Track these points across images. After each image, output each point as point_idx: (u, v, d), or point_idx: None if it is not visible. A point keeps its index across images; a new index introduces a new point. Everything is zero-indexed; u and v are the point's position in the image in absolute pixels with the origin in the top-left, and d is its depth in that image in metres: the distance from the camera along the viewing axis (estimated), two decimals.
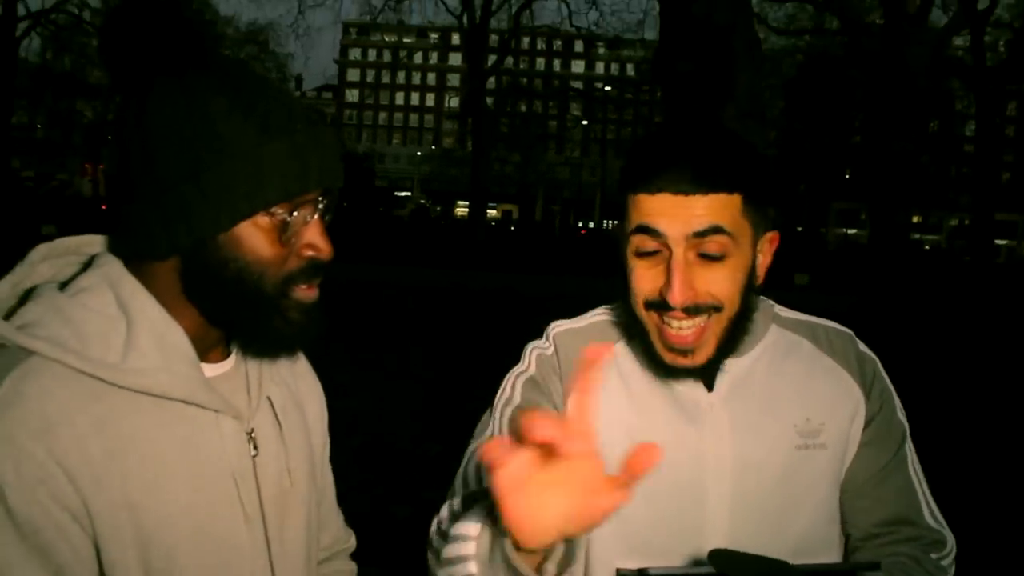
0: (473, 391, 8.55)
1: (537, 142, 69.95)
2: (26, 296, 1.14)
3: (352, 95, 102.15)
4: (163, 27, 1.06)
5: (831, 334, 1.47)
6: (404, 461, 6.02)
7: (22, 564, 0.99)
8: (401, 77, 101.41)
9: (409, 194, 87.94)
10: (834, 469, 1.39)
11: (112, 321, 1.09)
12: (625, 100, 75.71)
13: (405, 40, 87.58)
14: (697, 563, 1.23)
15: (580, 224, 77.82)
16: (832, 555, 1.40)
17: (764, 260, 1.37)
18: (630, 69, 79.65)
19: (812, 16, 29.85)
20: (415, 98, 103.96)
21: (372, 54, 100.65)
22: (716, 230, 1.25)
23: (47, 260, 1.18)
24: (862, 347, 1.47)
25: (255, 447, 1.19)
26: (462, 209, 74.14)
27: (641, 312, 1.32)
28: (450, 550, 1.10)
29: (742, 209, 1.28)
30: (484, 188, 33.21)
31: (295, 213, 1.09)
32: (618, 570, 1.29)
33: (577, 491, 0.90)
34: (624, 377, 1.41)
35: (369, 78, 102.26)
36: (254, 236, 1.08)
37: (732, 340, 1.33)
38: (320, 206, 1.12)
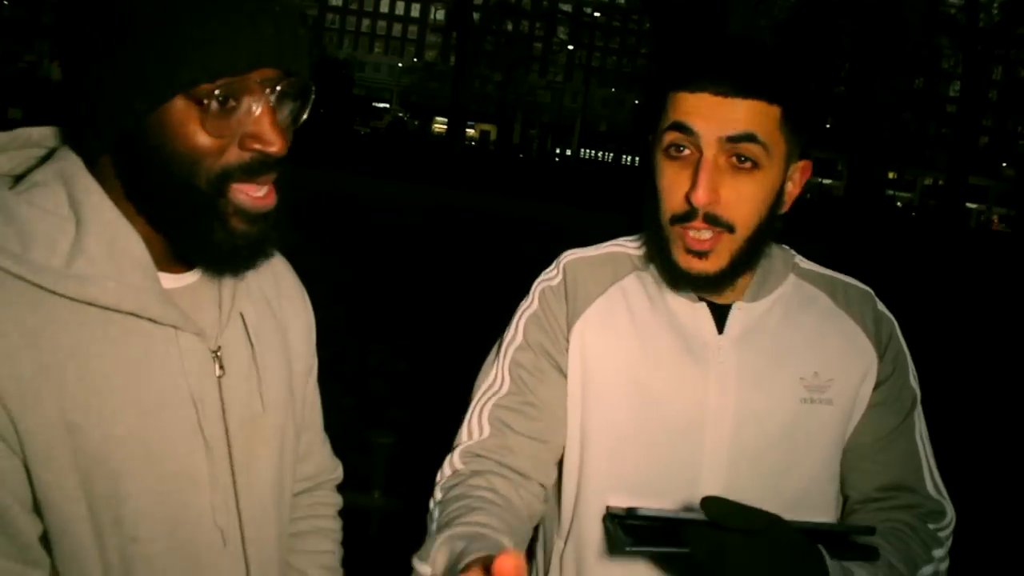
0: (440, 311, 8.56)
1: (520, 63, 69.08)
2: None
3: None
4: None
5: (850, 291, 1.43)
6: (375, 376, 6.02)
7: None
8: None
9: (388, 106, 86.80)
10: (839, 427, 1.36)
11: (61, 222, 0.99)
12: (613, 28, 74.87)
13: None
14: (688, 508, 1.20)
15: (557, 151, 77.44)
16: (829, 514, 1.38)
17: (793, 189, 1.34)
18: None
19: None
20: (400, 7, 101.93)
21: None
22: (750, 137, 1.22)
23: (5, 151, 1.08)
24: (881, 307, 1.43)
25: (221, 367, 1.10)
26: (440, 125, 73.41)
27: (665, 223, 1.28)
28: None
29: (780, 122, 1.24)
30: (464, 106, 32.79)
31: (234, 99, 0.97)
32: (608, 508, 1.24)
33: None
34: (633, 312, 1.38)
35: None
36: (183, 123, 0.96)
37: (746, 258, 1.29)
38: (271, 93, 0.99)
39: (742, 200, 1.24)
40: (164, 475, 1.03)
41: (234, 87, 0.96)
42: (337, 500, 1.45)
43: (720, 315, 1.35)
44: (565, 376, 1.38)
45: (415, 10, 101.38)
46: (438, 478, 1.36)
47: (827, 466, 1.36)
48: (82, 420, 0.97)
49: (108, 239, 1.00)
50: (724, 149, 1.22)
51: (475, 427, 1.38)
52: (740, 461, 1.32)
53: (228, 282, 1.12)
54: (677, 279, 1.31)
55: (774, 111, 1.23)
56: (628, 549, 1.06)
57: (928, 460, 1.40)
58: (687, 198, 1.24)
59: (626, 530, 1.07)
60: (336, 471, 1.45)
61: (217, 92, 0.95)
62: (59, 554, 1.00)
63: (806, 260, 1.46)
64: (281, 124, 1.01)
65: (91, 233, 0.99)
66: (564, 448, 1.39)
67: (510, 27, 69.91)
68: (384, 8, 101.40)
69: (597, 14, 71.68)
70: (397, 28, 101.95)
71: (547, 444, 1.37)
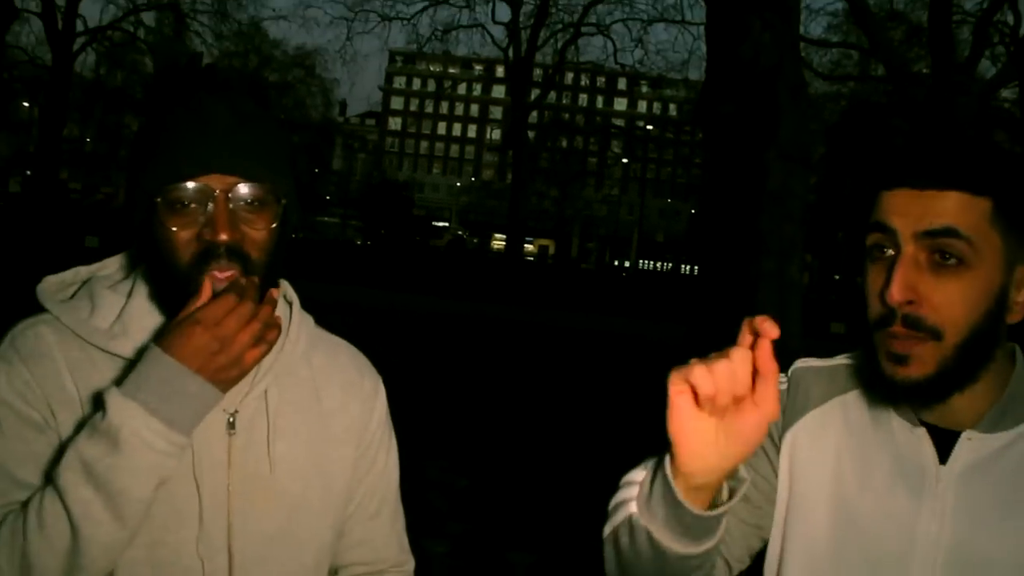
0: (500, 426, 8.54)
1: (576, 178, 70.09)
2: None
3: (395, 123, 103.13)
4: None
5: None
6: (433, 491, 6.01)
7: (16, 428, 1.24)
8: (444, 107, 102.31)
9: (447, 224, 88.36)
10: None
11: (120, 299, 1.33)
12: (666, 139, 75.77)
13: (450, 70, 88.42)
14: None
15: (616, 263, 77.77)
16: None
17: (1023, 295, 1.18)
18: (672, 109, 79.81)
19: (857, 62, 29.77)
20: (457, 129, 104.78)
21: (417, 83, 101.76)
22: (951, 232, 1.12)
23: (114, 263, 1.42)
24: None
25: (232, 427, 1.32)
26: (499, 242, 74.31)
27: (872, 332, 1.19)
28: (615, 497, 1.18)
29: (991, 218, 1.13)
30: (521, 221, 33.32)
31: (191, 200, 1.23)
32: None
33: (738, 420, 1.02)
34: (850, 428, 1.28)
35: (412, 107, 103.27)
36: (162, 220, 1.24)
37: (960, 370, 1.15)
38: (222, 194, 1.23)
39: (947, 300, 1.13)
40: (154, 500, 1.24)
41: (189, 191, 1.23)
42: None
43: (947, 444, 1.21)
44: (770, 467, 1.33)
45: (471, 131, 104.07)
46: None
47: None
48: None
49: (142, 313, 1.31)
50: (923, 245, 1.13)
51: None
52: None
53: (263, 363, 1.34)
54: (884, 390, 1.20)
55: (982, 204, 1.12)
56: None
57: None
58: (881, 298, 1.15)
59: None
60: (405, 564, 1.58)
61: (175, 195, 1.23)
62: None
63: None
64: (243, 219, 1.25)
65: (132, 307, 1.32)
66: (767, 550, 1.34)
67: (564, 143, 71.25)
68: (441, 131, 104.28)
69: (650, 127, 72.79)
70: (455, 149, 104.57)
71: (741, 540, 1.33)
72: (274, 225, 1.28)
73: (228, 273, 1.23)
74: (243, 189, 1.24)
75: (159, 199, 1.23)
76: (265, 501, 1.34)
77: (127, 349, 1.28)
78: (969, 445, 1.20)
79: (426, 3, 34.88)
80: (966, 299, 1.13)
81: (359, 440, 1.47)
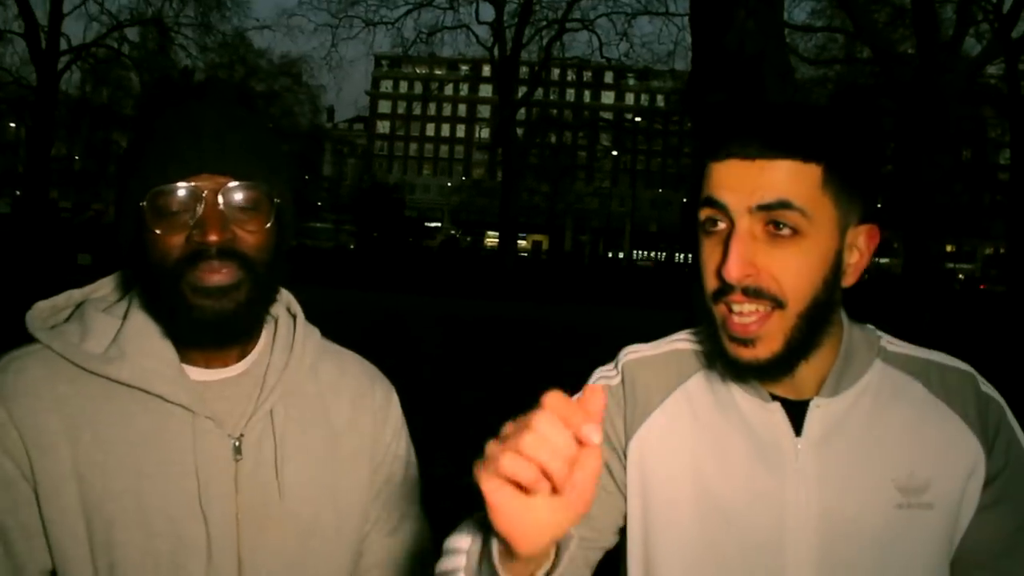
0: (490, 419, 8.59)
1: (566, 173, 70.03)
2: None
3: (383, 126, 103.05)
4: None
5: (947, 374, 1.25)
6: (440, 490, 6.01)
7: None
8: (432, 108, 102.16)
9: (439, 225, 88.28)
10: (944, 534, 1.19)
11: (115, 321, 1.28)
12: (655, 131, 75.86)
13: (436, 72, 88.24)
14: None
15: (609, 255, 77.73)
16: None
17: (859, 258, 1.19)
18: (660, 100, 79.77)
19: (843, 46, 29.77)
20: (445, 129, 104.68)
21: (403, 86, 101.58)
22: (783, 205, 1.10)
23: (107, 285, 1.37)
24: (985, 388, 1.24)
25: (239, 453, 1.26)
26: (492, 239, 74.31)
27: (710, 304, 1.17)
28: (441, 564, 1.09)
29: (822, 184, 1.12)
30: (513, 218, 33.27)
31: (178, 202, 1.18)
32: None
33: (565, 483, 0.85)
34: (698, 418, 1.25)
35: (400, 109, 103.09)
36: (150, 222, 1.19)
37: (805, 342, 1.16)
38: (213, 195, 1.18)
39: (786, 270, 1.12)
40: (154, 532, 1.20)
41: (177, 193, 1.18)
42: None
43: (798, 414, 1.21)
44: (614, 490, 1.27)
45: (460, 131, 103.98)
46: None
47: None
48: (88, 473, 1.19)
49: (139, 334, 1.25)
50: (757, 218, 1.12)
51: None
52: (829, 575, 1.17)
53: (268, 382, 1.30)
54: (734, 372, 1.20)
55: (813, 171, 1.11)
56: None
57: None
58: (719, 273, 1.14)
59: None
60: None
61: (160, 200, 1.18)
62: None
63: (895, 341, 1.29)
64: (235, 220, 1.20)
65: (128, 330, 1.26)
66: (627, 565, 1.29)
67: (553, 139, 71.22)
68: (430, 132, 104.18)
69: (638, 119, 72.80)
70: (444, 149, 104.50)
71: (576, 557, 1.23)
72: (268, 225, 1.23)
73: (221, 275, 1.18)
74: (234, 189, 1.20)
75: (145, 203, 1.18)
76: (276, 528, 1.27)
77: (124, 374, 1.22)
78: (819, 413, 1.20)
79: (410, 6, 34.80)
80: (804, 267, 1.12)
81: (372, 455, 1.41)
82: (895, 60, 17.62)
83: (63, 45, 32.20)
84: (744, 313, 1.14)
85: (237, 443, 1.26)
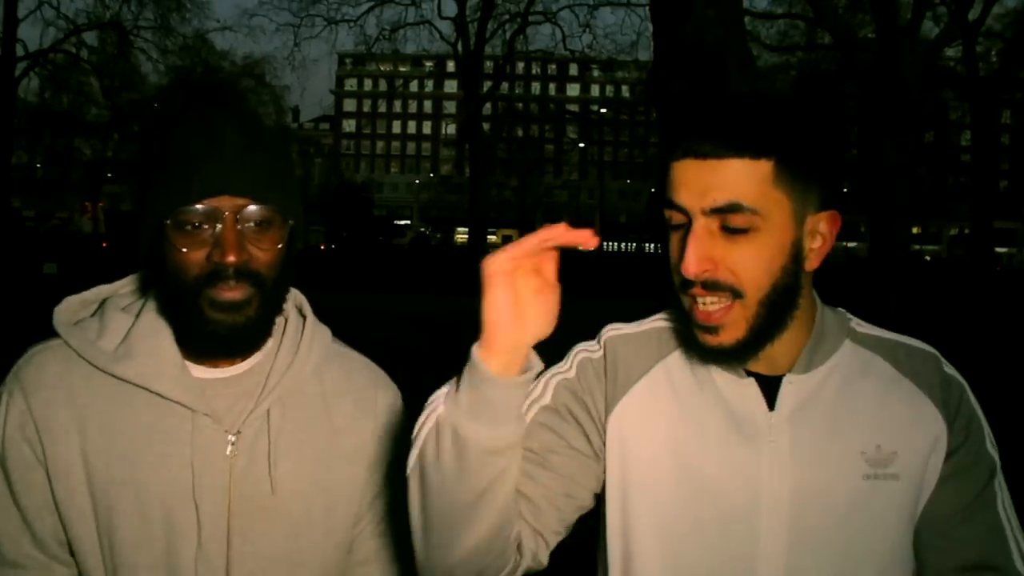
0: None
1: (534, 166, 70.17)
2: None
3: (349, 125, 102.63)
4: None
5: (913, 353, 1.32)
6: None
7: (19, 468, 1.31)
8: (397, 106, 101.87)
9: (408, 222, 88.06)
10: (908, 503, 1.25)
11: (129, 319, 1.35)
12: (621, 121, 76.07)
13: (400, 69, 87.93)
14: None
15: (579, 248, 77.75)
16: None
17: (820, 244, 1.23)
18: (625, 90, 79.90)
19: (804, 32, 30.00)
20: (412, 126, 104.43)
21: (368, 84, 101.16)
22: (735, 207, 1.15)
23: (127, 287, 1.44)
24: (948, 369, 1.32)
25: (235, 448, 1.33)
26: (462, 236, 74.26)
27: (679, 295, 1.24)
28: (420, 421, 1.17)
29: (773, 179, 1.16)
30: (483, 214, 33.27)
31: (199, 222, 1.25)
32: None
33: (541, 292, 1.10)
34: (677, 393, 1.30)
35: (365, 108, 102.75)
36: (171, 241, 1.26)
37: (768, 327, 1.21)
38: (232, 216, 1.25)
39: (742, 263, 1.17)
40: (149, 518, 1.29)
41: (197, 213, 1.24)
42: None
43: (772, 389, 1.26)
44: (590, 454, 1.31)
45: (427, 127, 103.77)
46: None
47: (898, 547, 1.26)
48: (94, 460, 1.30)
49: (147, 333, 1.33)
50: (713, 218, 1.17)
51: None
52: (800, 546, 1.22)
53: (270, 382, 1.36)
54: (703, 356, 1.26)
55: (763, 167, 1.15)
56: None
57: (1016, 535, 1.27)
58: (678, 269, 1.20)
59: None
60: None
61: (183, 218, 1.25)
62: (79, 564, 1.32)
63: (864, 323, 1.36)
64: (251, 239, 1.27)
65: (138, 329, 1.34)
66: (606, 546, 1.33)
67: (520, 133, 71.21)
68: (396, 129, 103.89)
69: (604, 110, 72.94)
70: (411, 147, 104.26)
71: (549, 508, 1.27)
72: (280, 245, 1.30)
73: (236, 292, 1.26)
74: (252, 210, 1.26)
75: (169, 220, 1.25)
76: (266, 523, 1.34)
77: (130, 372, 1.30)
78: (791, 388, 1.26)
79: (372, 3, 34.70)
80: (761, 259, 1.18)
81: (372, 458, 1.44)
82: (856, 45, 17.79)
83: (20, 51, 31.81)
84: (707, 303, 1.20)
85: (234, 439, 1.33)
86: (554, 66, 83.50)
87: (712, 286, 1.19)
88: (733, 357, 1.24)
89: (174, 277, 1.27)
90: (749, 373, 1.28)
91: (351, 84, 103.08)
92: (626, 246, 79.22)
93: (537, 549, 1.27)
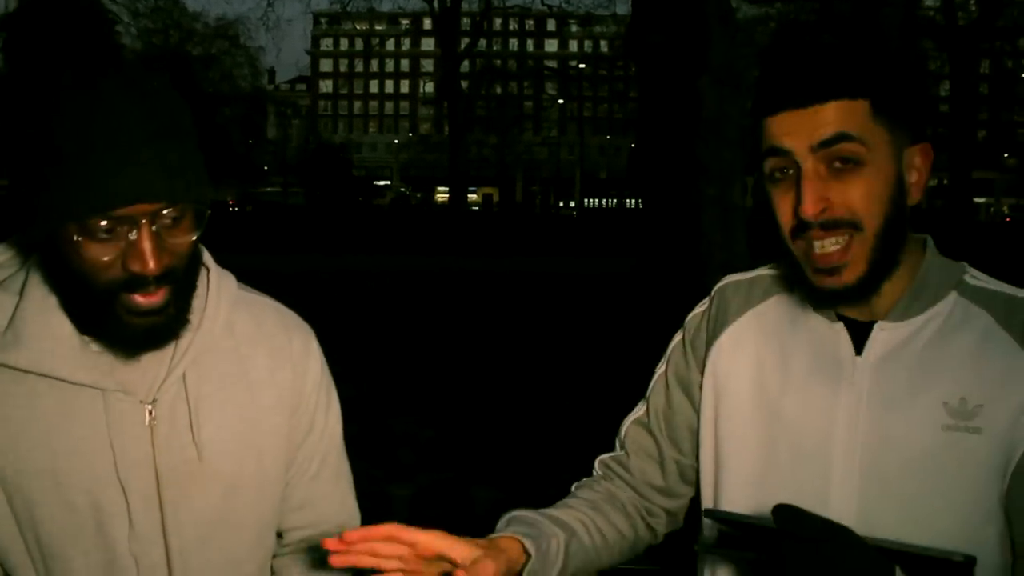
0: (463, 376, 8.59)
1: (514, 123, 69.80)
2: None
3: (326, 86, 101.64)
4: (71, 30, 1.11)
5: (1016, 306, 1.26)
6: (401, 445, 6.05)
7: None
8: (374, 65, 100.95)
9: (388, 183, 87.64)
10: (992, 459, 1.20)
11: (11, 297, 1.24)
12: (600, 77, 75.58)
13: (377, 28, 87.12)
14: (762, 516, 1.17)
15: (560, 204, 77.77)
16: (988, 559, 1.20)
17: (917, 177, 1.26)
18: (604, 46, 79.46)
19: None
20: (389, 86, 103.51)
21: (344, 43, 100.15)
22: (842, 137, 1.18)
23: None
24: None
25: (154, 418, 1.26)
26: (443, 195, 73.99)
27: (790, 245, 1.25)
28: None
29: (872, 115, 1.20)
30: (463, 172, 33.15)
31: (112, 229, 1.13)
32: (706, 509, 1.36)
33: None
34: (768, 334, 1.37)
35: (342, 68, 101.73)
36: (77, 244, 1.13)
37: (885, 261, 1.23)
38: (149, 223, 1.14)
39: (857, 197, 1.20)
40: (74, 507, 1.22)
41: (110, 220, 1.12)
42: None
43: (864, 335, 1.28)
44: (695, 409, 1.44)
45: (404, 86, 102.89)
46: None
47: (981, 503, 1.21)
48: (1, 457, 1.20)
49: (36, 313, 1.22)
50: (820, 156, 1.20)
51: (618, 442, 1.53)
52: (872, 490, 1.23)
53: (180, 344, 1.28)
54: (819, 300, 1.28)
55: (861, 105, 1.20)
56: (711, 551, 1.11)
57: None
58: (796, 214, 1.21)
59: (717, 533, 1.10)
60: (348, 525, 1.48)
61: (94, 224, 1.12)
62: (4, 563, 1.24)
63: (981, 276, 1.31)
64: (165, 237, 1.16)
65: (25, 310, 1.22)
66: (699, 474, 1.44)
67: (499, 90, 70.77)
68: (374, 89, 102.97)
69: (583, 65, 72.52)
70: (389, 106, 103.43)
71: (673, 464, 1.47)
72: (192, 231, 1.21)
73: (155, 298, 1.18)
74: (168, 212, 1.16)
75: (72, 225, 1.13)
76: (198, 487, 1.29)
77: (22, 361, 1.20)
78: (882, 336, 1.27)
79: None
80: (872, 192, 1.20)
81: (293, 406, 1.41)
82: None
83: None
84: (826, 246, 1.22)
85: (151, 409, 1.27)
86: (532, 21, 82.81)
87: (831, 225, 1.20)
88: (853, 296, 1.24)
89: (81, 280, 1.16)
90: (842, 319, 1.30)
91: (327, 44, 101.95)
92: (607, 202, 79.22)
93: (668, 507, 1.49)
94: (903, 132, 1.24)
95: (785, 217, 1.24)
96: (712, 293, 1.47)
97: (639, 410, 1.52)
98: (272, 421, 1.37)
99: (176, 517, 1.28)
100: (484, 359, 9.31)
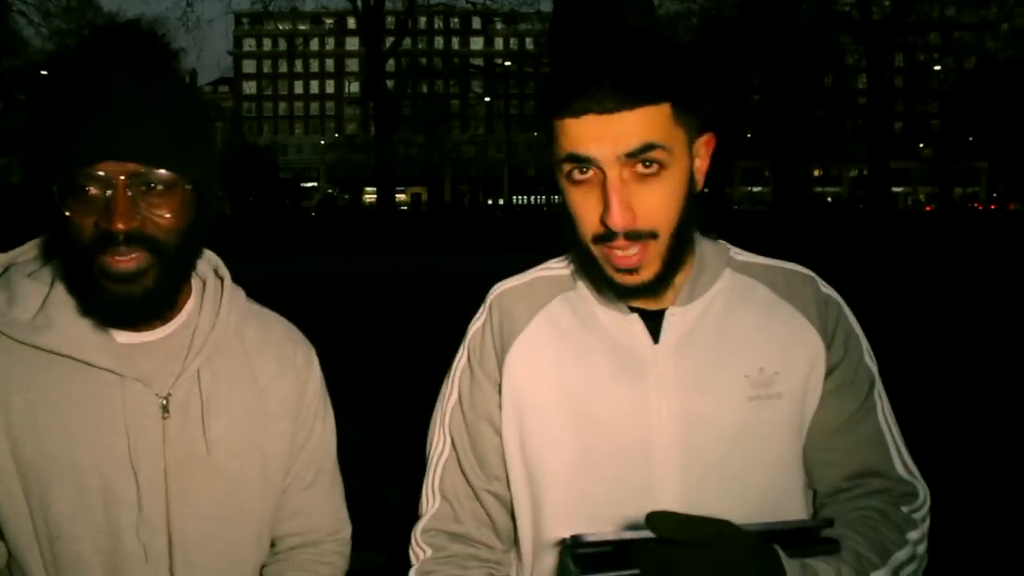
0: (391, 377, 8.52)
1: (440, 122, 69.70)
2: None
3: (249, 87, 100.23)
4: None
5: (790, 277, 1.37)
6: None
7: None
8: (299, 65, 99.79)
9: (316, 184, 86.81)
10: (793, 421, 1.30)
11: (42, 287, 1.31)
12: (526, 74, 75.68)
13: (300, 27, 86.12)
14: (635, 527, 1.11)
15: (489, 202, 77.84)
16: (797, 513, 1.31)
17: (702, 164, 1.28)
18: (529, 43, 79.79)
19: None
20: (314, 86, 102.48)
21: (267, 44, 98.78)
22: (649, 147, 1.17)
23: (30, 252, 1.39)
24: (825, 289, 1.37)
25: (167, 411, 1.32)
26: (370, 196, 73.48)
27: (588, 245, 1.24)
28: None
29: (673, 118, 1.20)
30: (390, 173, 32.89)
31: (87, 187, 1.20)
32: (563, 539, 1.26)
33: None
34: (563, 335, 1.34)
35: (266, 68, 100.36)
36: (63, 203, 1.21)
37: (678, 256, 1.25)
38: (126, 184, 1.19)
39: (658, 206, 1.20)
40: (86, 488, 1.27)
41: (88, 178, 1.19)
42: (334, 559, 1.55)
43: (657, 323, 1.30)
44: (497, 431, 1.37)
45: (330, 86, 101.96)
46: (412, 559, 1.39)
47: (787, 463, 1.31)
48: (20, 435, 1.26)
49: (65, 300, 1.29)
50: (626, 164, 1.18)
51: (428, 496, 1.42)
52: (693, 471, 1.26)
53: (195, 343, 1.35)
54: (619, 293, 1.27)
55: (664, 109, 1.18)
56: None
57: (896, 441, 1.34)
58: (603, 222, 1.20)
59: (576, 560, 1.02)
60: (340, 532, 1.56)
61: (71, 183, 1.20)
62: (9, 543, 1.29)
63: (743, 252, 1.41)
64: (147, 205, 1.22)
65: (55, 298, 1.29)
66: (513, 497, 1.37)
67: (425, 89, 70.49)
68: (299, 89, 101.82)
69: (508, 63, 72.63)
70: (314, 107, 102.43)
71: (493, 498, 1.39)
72: (180, 210, 1.24)
73: (128, 258, 1.21)
74: (145, 175, 1.21)
75: (56, 187, 1.20)
76: (203, 481, 1.34)
77: (52, 343, 1.27)
78: (674, 320, 1.30)
79: None
80: (672, 196, 1.21)
81: (295, 413, 1.47)
82: None
83: None
84: (627, 251, 1.22)
85: (165, 402, 1.32)
86: (457, 20, 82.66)
87: (634, 236, 1.20)
88: (649, 291, 1.26)
89: (66, 244, 1.23)
90: (633, 309, 1.31)
91: (250, 44, 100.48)
92: (535, 199, 79.52)
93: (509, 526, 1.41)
94: (695, 127, 1.25)
95: (589, 223, 1.22)
96: (487, 304, 1.42)
97: (441, 451, 1.43)
98: (277, 426, 1.43)
99: (181, 509, 1.32)
100: (415, 360, 9.26)
